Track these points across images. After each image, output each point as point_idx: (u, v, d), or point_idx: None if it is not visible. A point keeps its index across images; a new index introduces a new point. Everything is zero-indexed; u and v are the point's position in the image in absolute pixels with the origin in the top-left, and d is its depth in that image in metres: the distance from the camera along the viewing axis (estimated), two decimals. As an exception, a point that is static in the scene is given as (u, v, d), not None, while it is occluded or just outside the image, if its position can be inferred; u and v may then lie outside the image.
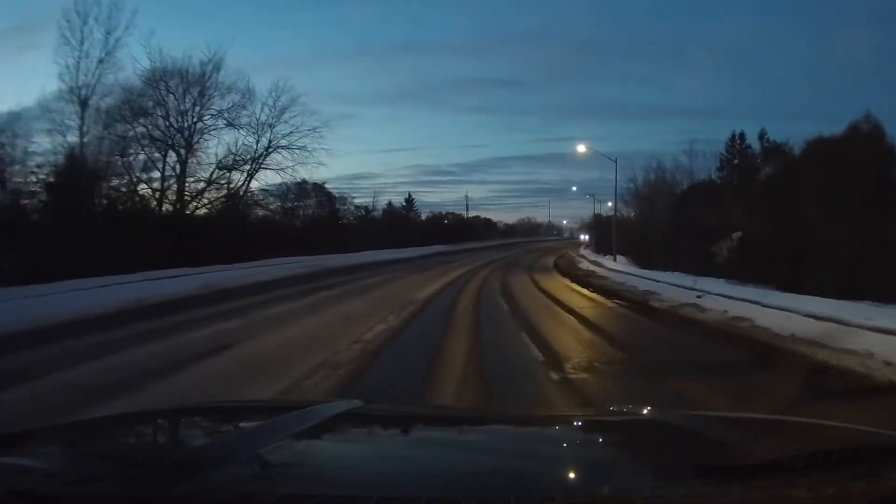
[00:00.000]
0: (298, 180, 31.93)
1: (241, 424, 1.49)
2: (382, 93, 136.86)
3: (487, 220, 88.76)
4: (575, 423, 1.80)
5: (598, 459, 1.33)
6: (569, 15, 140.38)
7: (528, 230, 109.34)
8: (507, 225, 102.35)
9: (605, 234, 55.76)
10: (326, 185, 41.80)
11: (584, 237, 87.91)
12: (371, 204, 47.16)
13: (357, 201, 47.82)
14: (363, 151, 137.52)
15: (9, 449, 1.17)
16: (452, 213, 72.40)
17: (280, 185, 30.68)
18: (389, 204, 57.01)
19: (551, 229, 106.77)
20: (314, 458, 1.25)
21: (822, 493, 0.96)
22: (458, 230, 69.48)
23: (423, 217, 65.78)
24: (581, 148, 30.27)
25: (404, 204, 63.55)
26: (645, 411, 1.81)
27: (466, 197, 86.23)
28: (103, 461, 1.22)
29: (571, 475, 1.18)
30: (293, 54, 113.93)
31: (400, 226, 50.10)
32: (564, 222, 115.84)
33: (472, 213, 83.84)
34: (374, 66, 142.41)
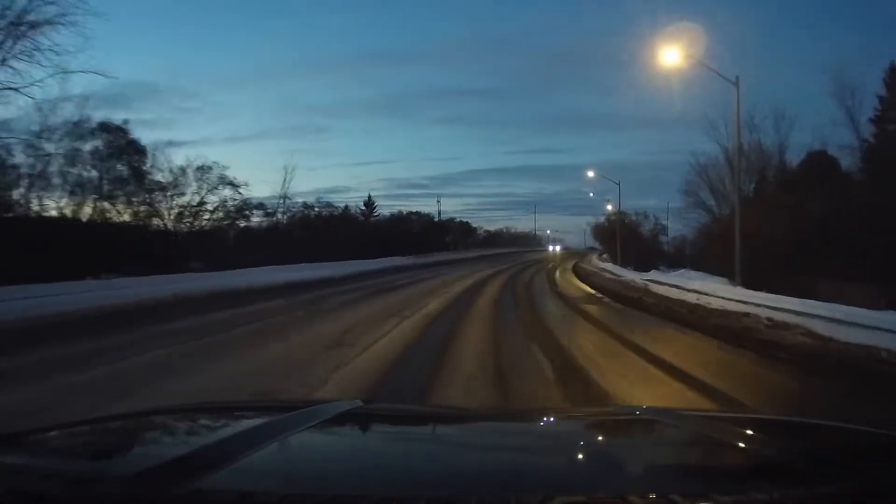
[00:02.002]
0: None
1: (241, 424, 1.53)
2: (356, 104, 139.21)
3: (464, 225, 73.29)
4: (576, 422, 1.89)
5: (599, 459, 1.40)
6: (544, 25, 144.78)
7: (512, 239, 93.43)
8: (487, 232, 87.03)
9: (631, 240, 43.54)
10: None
11: (554, 248, 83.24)
12: (277, 206, 37.31)
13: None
14: (336, 165, 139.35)
15: (9, 449, 1.26)
16: (418, 214, 56.85)
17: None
18: (346, 208, 51.85)
19: (538, 239, 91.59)
20: (314, 458, 1.32)
21: (822, 493, 0.99)
22: (429, 237, 61.09)
23: (382, 219, 50.31)
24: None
25: (363, 208, 56.71)
26: (646, 411, 1.91)
27: (438, 202, 70.87)
28: (103, 461, 1.30)
29: (571, 474, 1.24)
30: (262, 67, 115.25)
31: (343, 232, 41.86)
32: (548, 232, 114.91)
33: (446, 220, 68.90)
34: (348, 77, 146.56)
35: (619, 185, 39.76)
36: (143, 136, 27.62)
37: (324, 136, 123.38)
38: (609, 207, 58.82)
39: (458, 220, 78.17)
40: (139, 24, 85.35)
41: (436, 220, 66.57)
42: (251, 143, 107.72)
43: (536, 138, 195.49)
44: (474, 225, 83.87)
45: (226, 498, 0.90)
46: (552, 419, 1.98)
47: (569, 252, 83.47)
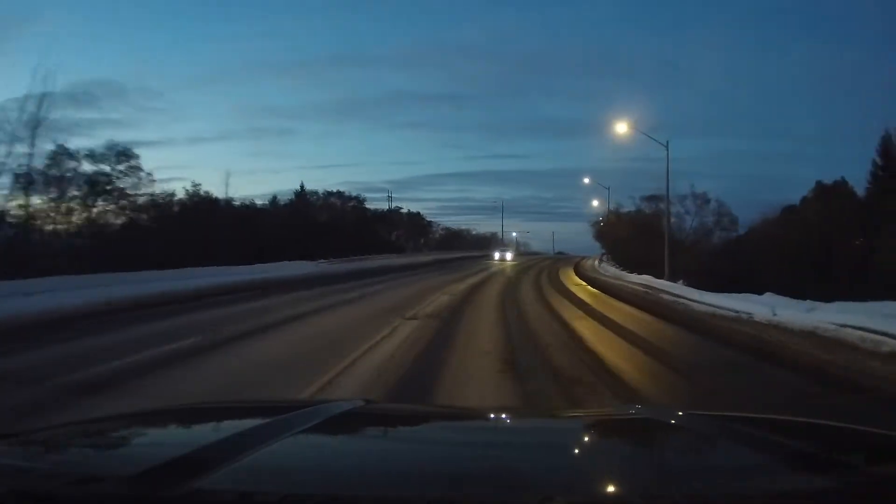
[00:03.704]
0: None
1: (241, 424, 1.52)
2: (319, 107, 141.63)
3: (415, 219, 56.15)
4: (575, 423, 1.88)
5: (598, 459, 1.40)
6: (509, 30, 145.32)
7: (475, 241, 76.48)
8: (447, 230, 70.26)
9: (654, 242, 28.51)
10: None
11: (503, 254, 55.94)
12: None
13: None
14: (298, 168, 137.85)
15: (9, 449, 1.25)
16: (340, 195, 40.45)
17: None
18: (274, 199, 39.97)
19: (505, 243, 75.88)
20: (314, 458, 1.31)
21: (822, 492, 0.99)
22: (369, 234, 45.71)
23: (283, 210, 35.90)
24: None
25: (293, 199, 42.93)
26: (645, 411, 1.94)
27: (389, 198, 54.06)
28: (103, 461, 1.29)
29: (571, 474, 1.23)
30: (229, 68, 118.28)
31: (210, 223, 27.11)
32: (514, 234, 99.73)
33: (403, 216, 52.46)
34: (311, 80, 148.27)
35: (666, 146, 24.23)
36: (110, 135, 20.08)
37: (286, 138, 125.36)
38: (595, 203, 44.72)
39: (406, 210, 59.70)
40: (109, 24, 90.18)
41: (372, 210, 49.74)
42: (214, 144, 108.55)
43: (497, 144, 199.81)
44: (429, 220, 66.30)
45: (226, 498, 0.91)
46: (552, 419, 2.03)
47: (536, 258, 62.72)
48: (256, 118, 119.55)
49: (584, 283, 25.93)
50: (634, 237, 32.05)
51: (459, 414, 2.17)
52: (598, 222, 49.77)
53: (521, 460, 1.29)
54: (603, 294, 20.42)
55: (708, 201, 35.19)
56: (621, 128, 24.39)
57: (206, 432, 1.53)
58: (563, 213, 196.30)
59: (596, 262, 44.80)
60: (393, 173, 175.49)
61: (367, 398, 1.86)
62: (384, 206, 53.57)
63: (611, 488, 1.06)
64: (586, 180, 45.90)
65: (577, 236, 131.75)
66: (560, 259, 63.24)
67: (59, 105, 17.67)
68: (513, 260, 52.95)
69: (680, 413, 1.77)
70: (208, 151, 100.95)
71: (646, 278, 24.66)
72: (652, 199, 33.93)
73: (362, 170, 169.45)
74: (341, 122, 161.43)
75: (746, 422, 1.70)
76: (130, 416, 1.82)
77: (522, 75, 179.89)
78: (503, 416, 2.12)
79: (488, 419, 1.95)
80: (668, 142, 24.51)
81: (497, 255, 54.47)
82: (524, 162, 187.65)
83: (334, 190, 45.72)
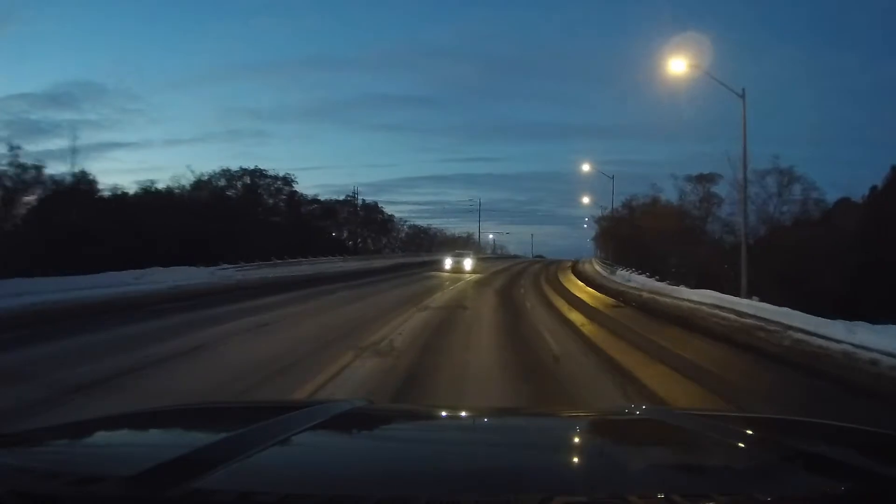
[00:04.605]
0: None
1: (242, 424, 1.48)
2: (294, 109, 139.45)
3: (373, 210, 46.96)
4: (575, 422, 1.86)
5: (598, 458, 1.38)
6: (484, 32, 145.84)
7: (451, 242, 66.68)
8: (414, 228, 61.36)
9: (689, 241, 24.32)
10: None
11: (458, 260, 34.88)
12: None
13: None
14: (273, 169, 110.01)
15: (9, 449, 1.24)
16: (263, 174, 31.45)
17: None
18: (204, 180, 31.72)
19: (481, 246, 66.95)
20: (314, 458, 1.31)
21: (822, 492, 0.98)
22: (302, 224, 36.50)
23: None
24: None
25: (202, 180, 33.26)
26: (645, 411, 1.93)
27: (356, 192, 43.65)
28: (103, 461, 1.27)
29: (571, 474, 1.23)
30: (204, 70, 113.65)
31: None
32: (491, 236, 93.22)
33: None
34: (286, 82, 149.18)
35: (742, 95, 16.04)
36: (87, 137, 13.79)
37: (262, 140, 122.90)
38: (586, 200, 37.44)
39: (360, 201, 48.51)
40: (88, 26, 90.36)
41: (309, 197, 39.66)
42: (191, 146, 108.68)
43: (475, 146, 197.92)
44: (390, 214, 54.34)
45: (226, 498, 0.90)
46: (552, 419, 1.98)
47: (521, 263, 53.72)
48: (233, 120, 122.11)
49: (621, 304, 17.55)
50: (662, 235, 23.62)
51: (459, 414, 2.14)
52: (601, 218, 41.13)
53: (521, 460, 1.29)
54: (689, 333, 11.29)
55: (796, 179, 24.88)
56: (678, 66, 16.58)
57: (206, 432, 1.52)
58: (541, 216, 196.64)
59: (598, 268, 36.23)
60: (367, 176, 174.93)
61: (368, 398, 1.80)
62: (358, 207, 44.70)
63: (610, 488, 1.02)
64: (586, 167, 37.45)
65: (555, 239, 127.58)
66: (550, 264, 54.07)
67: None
68: (474, 269, 33.63)
69: (680, 413, 1.88)
70: (185, 153, 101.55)
71: (711, 295, 16.52)
72: (703, 179, 25.15)
73: (338, 172, 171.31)
74: (317, 125, 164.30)
75: (747, 422, 1.71)
76: (130, 416, 1.82)
77: (498, 78, 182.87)
78: (503, 415, 2.12)
79: (488, 419, 1.95)
80: (743, 90, 16.57)
81: (449, 263, 34.41)
82: (500, 165, 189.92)
83: (252, 167, 35.47)
